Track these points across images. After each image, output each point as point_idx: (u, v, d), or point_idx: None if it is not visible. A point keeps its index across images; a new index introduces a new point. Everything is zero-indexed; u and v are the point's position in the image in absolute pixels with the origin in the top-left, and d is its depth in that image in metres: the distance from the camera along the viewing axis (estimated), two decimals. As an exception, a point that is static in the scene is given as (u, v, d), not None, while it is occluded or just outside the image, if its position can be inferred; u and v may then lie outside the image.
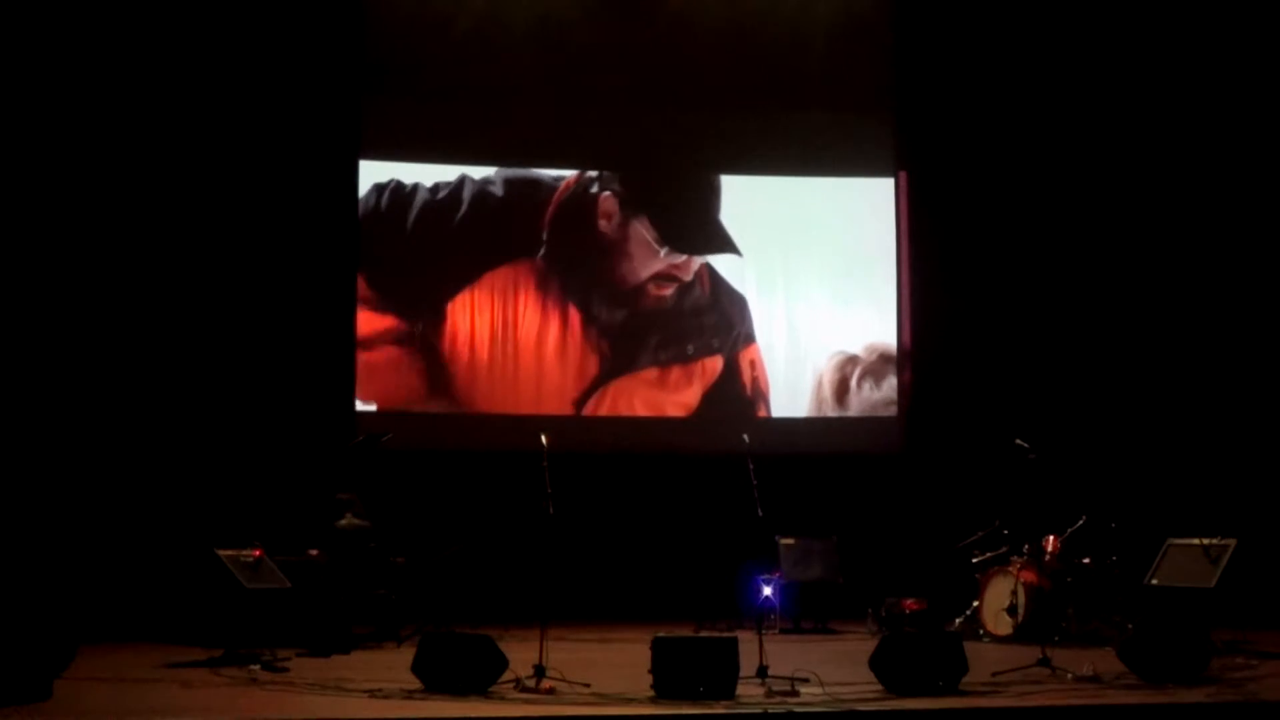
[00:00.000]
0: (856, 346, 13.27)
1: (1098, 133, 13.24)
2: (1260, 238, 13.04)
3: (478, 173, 12.84)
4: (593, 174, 13.01)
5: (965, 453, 12.46)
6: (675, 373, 13.00)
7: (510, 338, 12.76)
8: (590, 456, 11.94)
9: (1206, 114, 13.13)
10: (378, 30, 12.82)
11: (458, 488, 12.16)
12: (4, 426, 11.37)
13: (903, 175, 13.44)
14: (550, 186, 12.97)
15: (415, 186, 12.73)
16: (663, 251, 12.94)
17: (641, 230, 12.97)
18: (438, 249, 12.77)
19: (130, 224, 12.07)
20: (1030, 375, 12.94)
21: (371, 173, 12.71)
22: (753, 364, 13.11)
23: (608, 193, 12.97)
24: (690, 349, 13.05)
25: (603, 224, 12.94)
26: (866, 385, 13.21)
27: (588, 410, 12.81)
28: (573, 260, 12.93)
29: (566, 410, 12.73)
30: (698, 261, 13.08)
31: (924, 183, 13.41)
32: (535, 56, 13.04)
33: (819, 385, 13.20)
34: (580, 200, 13.00)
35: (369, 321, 12.58)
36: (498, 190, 12.87)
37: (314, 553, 10.18)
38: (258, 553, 9.31)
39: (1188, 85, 13.15)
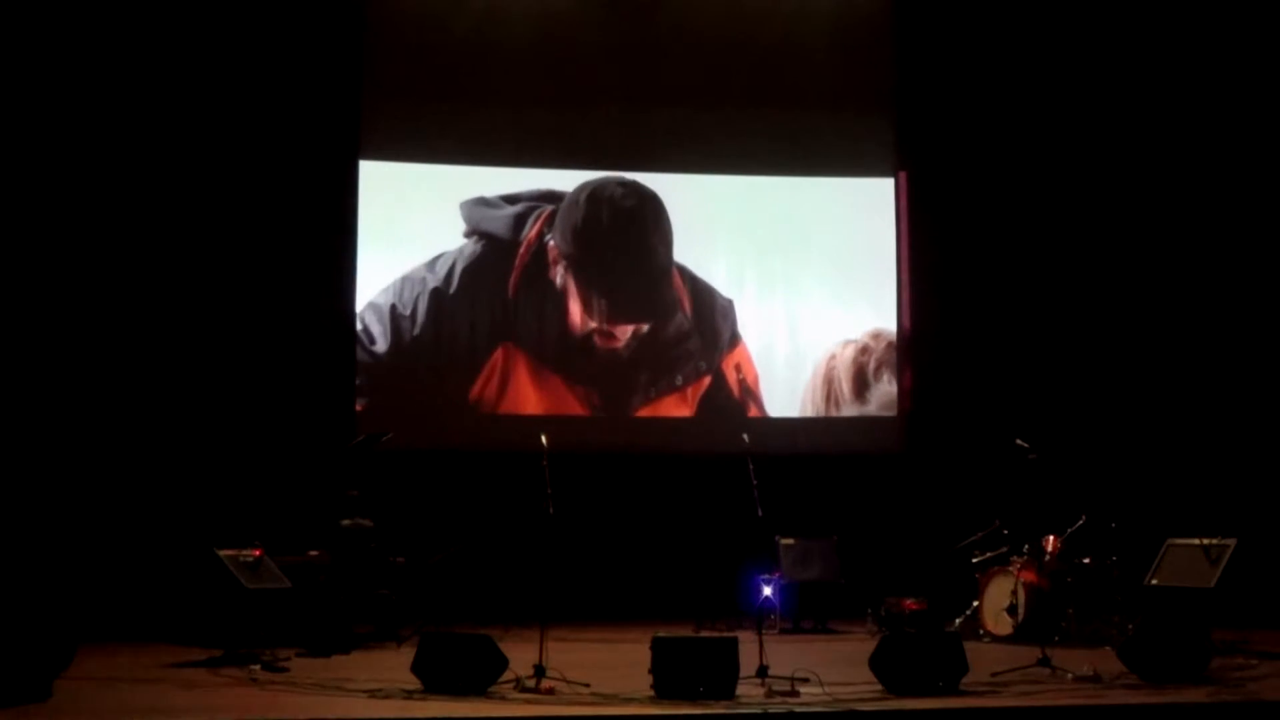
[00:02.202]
0: (866, 337, 13.24)
1: (1098, 132, 13.24)
2: (1260, 238, 13.04)
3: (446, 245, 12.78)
4: (548, 221, 12.88)
5: (965, 453, 12.46)
6: (666, 402, 13.00)
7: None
8: (590, 456, 11.94)
9: (1206, 114, 13.13)
10: (378, 30, 12.82)
11: (458, 488, 12.17)
12: (4, 427, 11.37)
13: (903, 175, 13.44)
14: (513, 245, 12.87)
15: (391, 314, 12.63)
16: (587, 315, 12.90)
17: (573, 287, 12.95)
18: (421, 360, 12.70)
19: (130, 225, 12.07)
20: (1030, 375, 12.94)
21: (371, 173, 12.70)
22: (738, 367, 13.10)
23: (551, 242, 12.91)
24: (679, 379, 13.04)
25: (551, 271, 12.92)
26: (885, 376, 13.19)
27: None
28: (542, 321, 12.82)
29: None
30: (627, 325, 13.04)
31: (924, 183, 13.40)
32: (535, 57, 13.04)
33: (832, 377, 13.17)
34: (539, 254, 12.93)
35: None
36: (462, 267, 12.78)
37: (314, 553, 10.18)
38: (258, 553, 9.32)
39: (1188, 85, 13.15)
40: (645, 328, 12.96)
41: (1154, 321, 13.08)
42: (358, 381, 12.51)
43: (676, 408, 13.02)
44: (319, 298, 12.42)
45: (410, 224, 12.80)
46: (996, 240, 13.17)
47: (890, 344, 13.26)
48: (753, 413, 13.06)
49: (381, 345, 12.60)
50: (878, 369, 13.21)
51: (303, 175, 12.41)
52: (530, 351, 12.80)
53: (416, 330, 12.65)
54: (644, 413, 12.95)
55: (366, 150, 12.71)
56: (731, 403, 13.08)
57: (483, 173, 12.91)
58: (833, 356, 13.20)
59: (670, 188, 13.17)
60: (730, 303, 13.15)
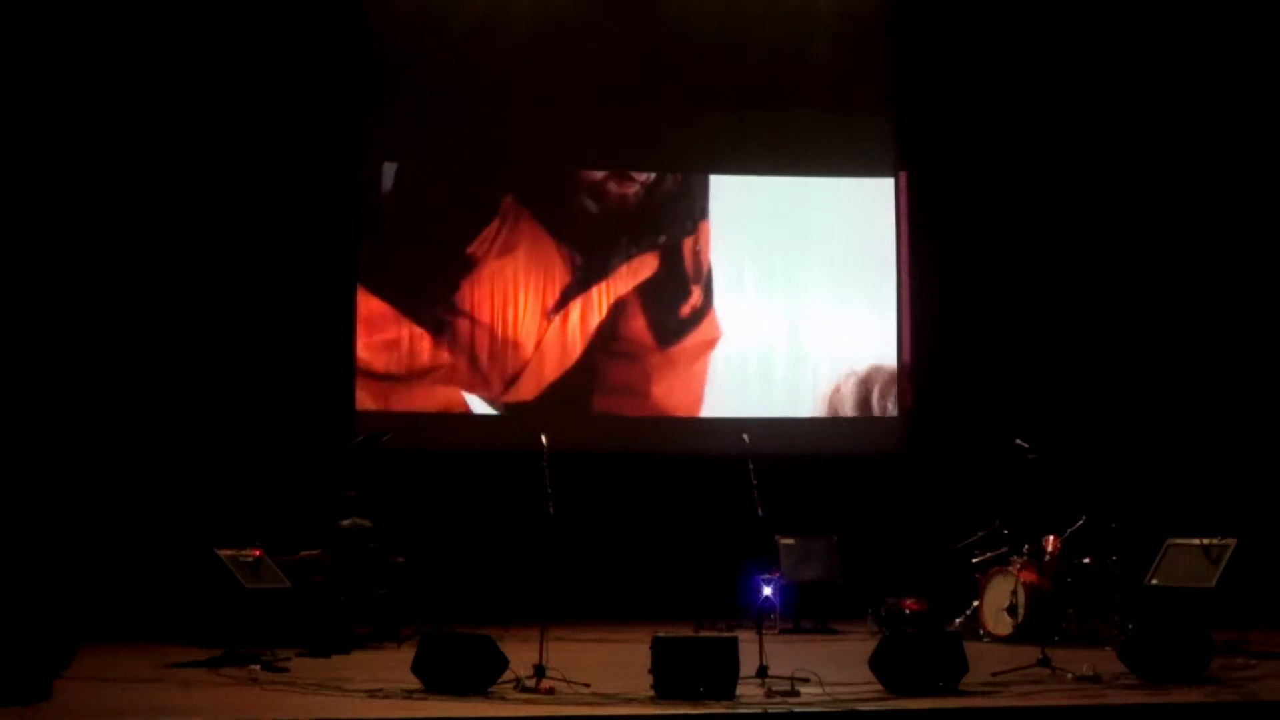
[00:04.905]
0: (867, 359, 13.24)
1: (1098, 132, 13.24)
2: (1260, 238, 13.04)
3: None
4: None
5: (965, 453, 12.46)
6: (641, 262, 13.06)
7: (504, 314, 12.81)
8: (590, 456, 11.94)
9: (1206, 114, 13.13)
10: (378, 31, 12.83)
11: (458, 488, 12.17)
12: (4, 427, 11.37)
13: (903, 175, 13.44)
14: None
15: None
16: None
17: None
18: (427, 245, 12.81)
19: (130, 225, 12.08)
20: (1031, 375, 12.94)
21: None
22: (696, 248, 13.13)
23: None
24: (661, 238, 13.10)
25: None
26: (890, 400, 13.20)
27: (563, 320, 12.81)
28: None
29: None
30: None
31: (924, 183, 13.41)
32: (535, 57, 13.04)
33: (837, 395, 13.18)
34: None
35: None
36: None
37: (314, 553, 10.17)
38: (257, 553, 9.32)
39: (1188, 85, 13.16)
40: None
41: (1154, 321, 13.08)
42: (359, 227, 12.63)
43: (647, 269, 13.01)
44: (319, 298, 12.41)
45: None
46: (997, 240, 13.17)
47: (892, 375, 13.24)
48: (696, 296, 13.07)
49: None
50: (882, 398, 13.22)
51: (302, 177, 12.42)
52: (534, 207, 12.91)
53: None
54: (622, 270, 12.94)
55: (366, 150, 12.70)
56: (683, 280, 13.07)
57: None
58: (836, 390, 13.18)
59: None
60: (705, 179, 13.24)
